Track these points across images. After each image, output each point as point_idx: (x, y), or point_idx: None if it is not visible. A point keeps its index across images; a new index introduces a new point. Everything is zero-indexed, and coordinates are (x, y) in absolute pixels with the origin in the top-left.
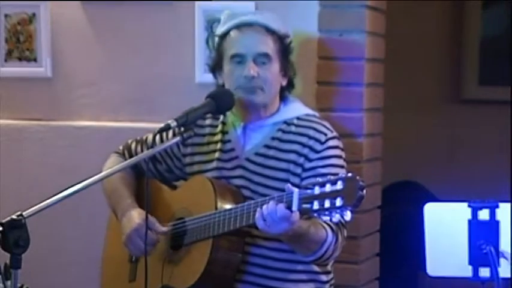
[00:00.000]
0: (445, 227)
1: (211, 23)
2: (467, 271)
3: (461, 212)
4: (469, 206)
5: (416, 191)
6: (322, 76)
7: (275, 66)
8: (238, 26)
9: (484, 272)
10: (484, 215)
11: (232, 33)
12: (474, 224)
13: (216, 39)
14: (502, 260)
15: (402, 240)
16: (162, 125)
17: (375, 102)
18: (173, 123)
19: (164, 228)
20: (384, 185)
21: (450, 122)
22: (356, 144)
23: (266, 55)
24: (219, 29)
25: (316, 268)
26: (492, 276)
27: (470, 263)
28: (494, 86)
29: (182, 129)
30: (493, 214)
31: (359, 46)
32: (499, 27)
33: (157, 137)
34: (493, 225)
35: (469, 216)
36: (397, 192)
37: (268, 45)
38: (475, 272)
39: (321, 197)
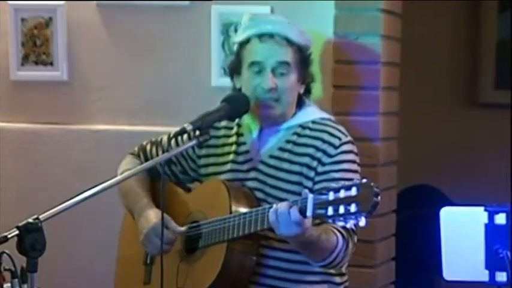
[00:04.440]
0: (461, 231)
1: (227, 27)
2: (484, 275)
3: (477, 216)
4: (485, 210)
5: (432, 195)
6: (338, 80)
7: (293, 76)
8: (259, 36)
9: (501, 277)
10: (500, 219)
11: (253, 42)
12: (490, 228)
13: (236, 45)
14: None
15: (418, 245)
16: (177, 128)
17: (391, 106)
18: (189, 127)
19: (180, 228)
20: (399, 189)
21: (466, 125)
22: (372, 148)
23: (286, 63)
24: (240, 34)
25: (330, 270)
26: (509, 281)
27: (486, 267)
28: (510, 89)
29: (198, 132)
30: (509, 218)
31: (375, 50)
32: None
33: (173, 140)
34: (510, 229)
35: (486, 220)
36: (413, 196)
37: (289, 55)
38: (492, 276)
39: (336, 203)
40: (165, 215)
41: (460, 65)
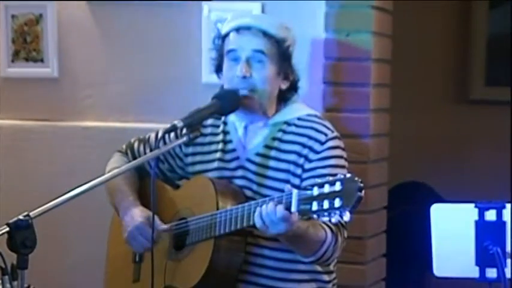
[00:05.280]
0: (452, 227)
1: (218, 24)
2: (474, 272)
3: (468, 213)
4: (475, 206)
5: (422, 192)
6: (329, 76)
7: (271, 68)
8: (237, 29)
9: (491, 273)
10: (491, 215)
11: (231, 35)
12: (481, 224)
13: (219, 40)
14: (509, 261)
15: (409, 241)
16: (168, 125)
17: (382, 103)
18: (179, 124)
19: (164, 226)
20: (390, 186)
21: (457, 122)
22: (362, 144)
23: (261, 52)
24: (222, 30)
25: (318, 268)
26: (499, 277)
27: (477, 263)
28: (501, 86)
29: (187, 129)
30: (500, 215)
31: (366, 47)
32: (506, 26)
33: (162, 137)
34: (500, 225)
35: (476, 217)
36: (404, 193)
37: (265, 46)
38: (482, 272)
39: (320, 198)
40: (151, 214)
41: (451, 62)
